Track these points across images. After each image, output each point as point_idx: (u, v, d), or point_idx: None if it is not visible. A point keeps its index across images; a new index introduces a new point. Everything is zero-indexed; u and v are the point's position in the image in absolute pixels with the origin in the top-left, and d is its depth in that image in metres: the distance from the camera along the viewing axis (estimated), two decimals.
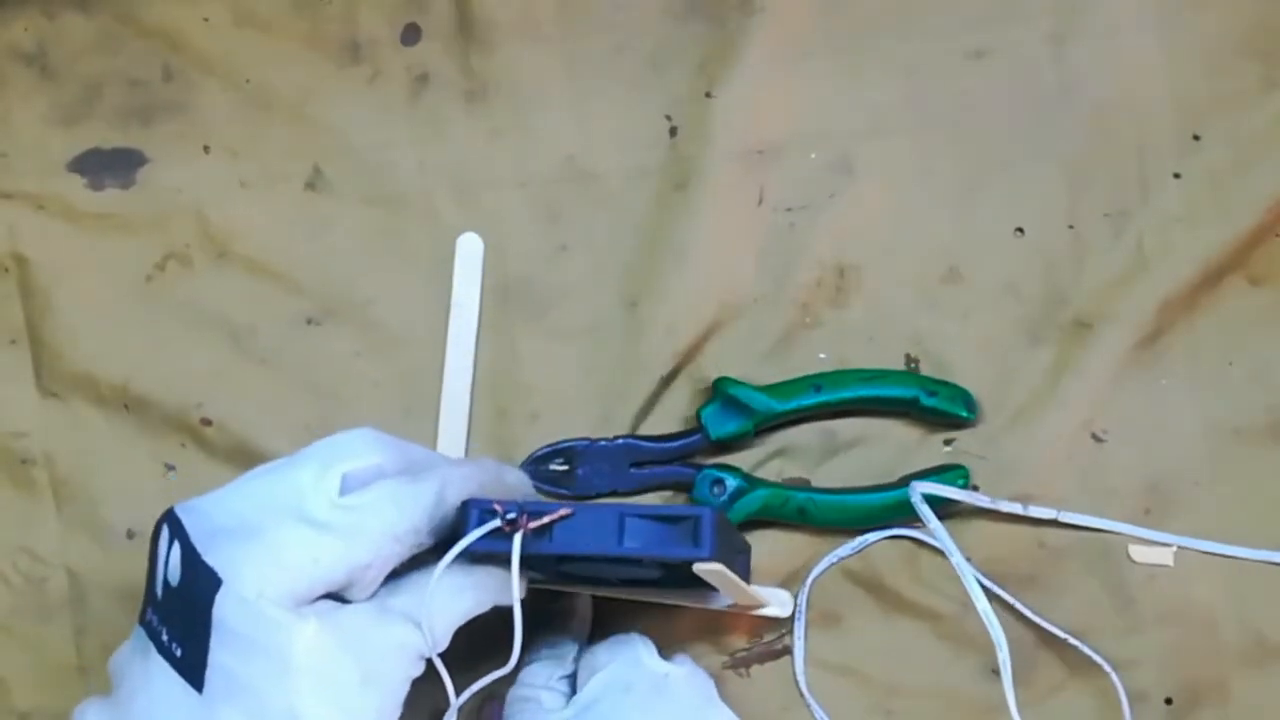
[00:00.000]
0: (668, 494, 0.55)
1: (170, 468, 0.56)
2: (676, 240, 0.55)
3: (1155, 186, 0.54)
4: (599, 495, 0.55)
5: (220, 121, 0.57)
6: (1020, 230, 0.55)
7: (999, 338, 0.55)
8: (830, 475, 0.55)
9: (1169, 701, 0.53)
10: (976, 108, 0.55)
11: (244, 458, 0.55)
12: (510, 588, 0.44)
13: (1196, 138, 0.54)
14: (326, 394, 0.56)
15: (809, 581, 0.54)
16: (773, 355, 0.55)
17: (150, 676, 0.42)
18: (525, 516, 0.43)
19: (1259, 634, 0.53)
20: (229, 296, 0.57)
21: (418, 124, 0.57)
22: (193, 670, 0.41)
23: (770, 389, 0.54)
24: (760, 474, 0.55)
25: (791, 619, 0.54)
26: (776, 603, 0.53)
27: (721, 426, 0.53)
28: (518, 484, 0.50)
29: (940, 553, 0.52)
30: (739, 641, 0.54)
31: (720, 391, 0.54)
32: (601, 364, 0.56)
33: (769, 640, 0.54)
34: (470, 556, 0.43)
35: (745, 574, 0.47)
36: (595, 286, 0.56)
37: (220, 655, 0.40)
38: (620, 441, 0.55)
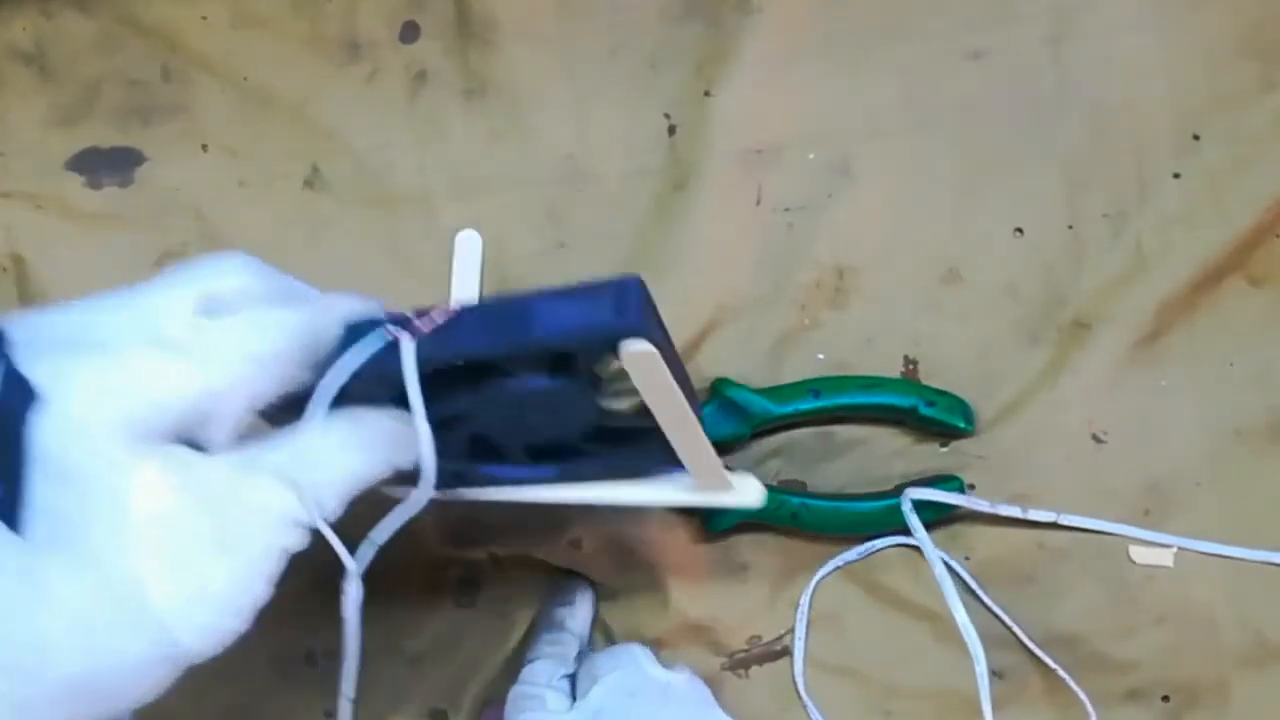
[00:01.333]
0: None
1: None
2: (675, 240, 0.55)
3: (1154, 187, 0.54)
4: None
5: (219, 121, 0.57)
6: (1019, 231, 0.55)
7: (998, 338, 0.55)
8: (827, 477, 0.55)
9: (1166, 699, 0.53)
10: (975, 108, 0.55)
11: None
12: (411, 442, 0.38)
13: (1196, 138, 0.54)
14: None
15: (812, 585, 0.54)
16: (771, 355, 0.55)
17: None
18: (414, 322, 0.37)
19: (1259, 634, 0.53)
20: None
21: (416, 123, 0.57)
22: (7, 508, 0.32)
23: (768, 392, 0.54)
24: (756, 474, 0.54)
25: (792, 618, 0.54)
26: (746, 490, 0.47)
27: (718, 428, 0.53)
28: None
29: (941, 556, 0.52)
30: (738, 643, 0.54)
31: (718, 393, 0.54)
32: None
33: (768, 642, 0.54)
34: (358, 397, 0.37)
35: (700, 418, 0.41)
36: None
37: (44, 492, 0.32)
38: None
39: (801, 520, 0.53)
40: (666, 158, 0.56)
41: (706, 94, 0.56)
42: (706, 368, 0.55)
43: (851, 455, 0.55)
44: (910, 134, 0.55)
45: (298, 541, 0.36)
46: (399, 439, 0.38)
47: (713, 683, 0.54)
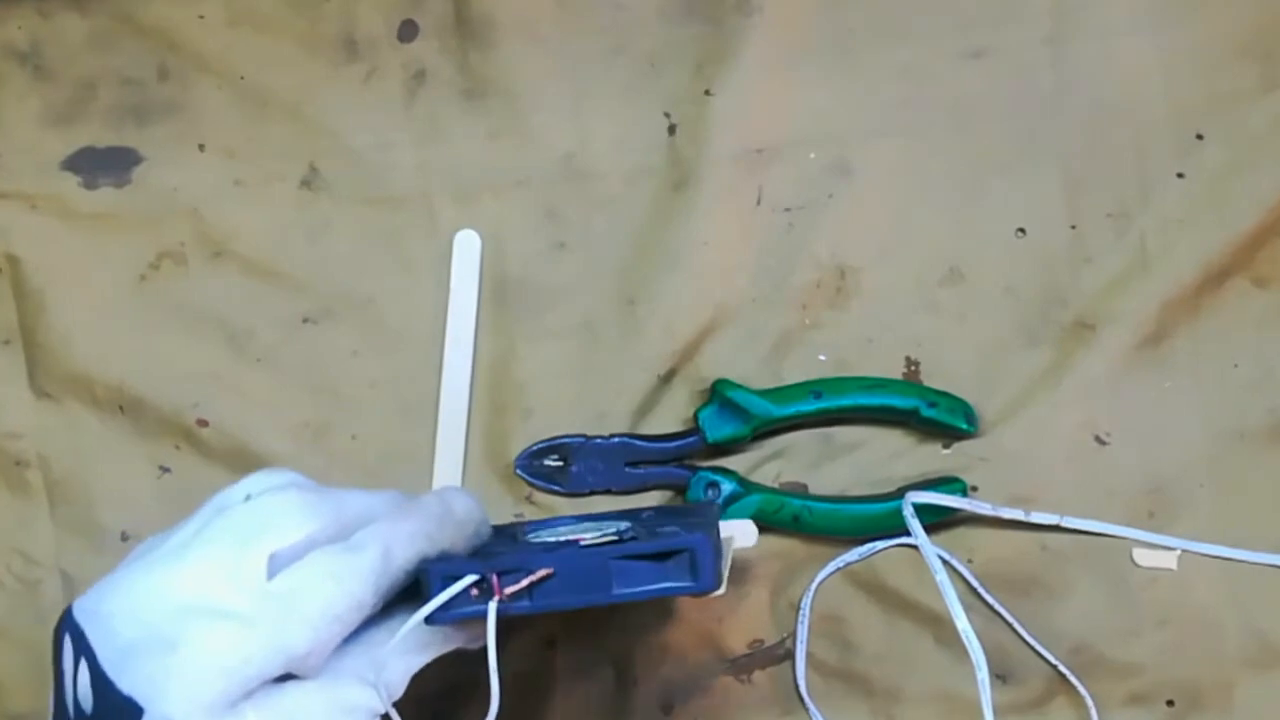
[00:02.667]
0: (667, 495, 0.55)
1: (165, 470, 0.56)
2: (675, 240, 0.55)
3: (1157, 187, 0.54)
4: (593, 493, 0.55)
5: (215, 120, 0.57)
6: (1021, 231, 0.55)
7: (999, 339, 0.54)
8: (828, 479, 0.55)
9: (1171, 704, 0.52)
10: (976, 108, 0.55)
11: (240, 459, 0.55)
12: (477, 635, 0.40)
13: (1199, 137, 0.54)
14: (324, 393, 0.56)
15: (813, 588, 0.54)
16: (771, 356, 0.55)
17: None
18: (496, 579, 0.39)
19: (1262, 637, 0.53)
20: (224, 296, 0.56)
21: (415, 122, 0.56)
22: None
23: (769, 393, 0.53)
24: (757, 476, 0.54)
25: (794, 621, 0.54)
26: (741, 534, 0.49)
27: (718, 429, 0.53)
28: (466, 512, 0.44)
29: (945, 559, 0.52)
30: (740, 647, 0.54)
31: (718, 394, 0.53)
32: (599, 363, 0.55)
33: (770, 645, 0.54)
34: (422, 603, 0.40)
35: (720, 550, 0.44)
36: (593, 286, 0.56)
37: None
38: (616, 440, 0.54)
39: (803, 523, 0.53)
40: (666, 158, 0.56)
41: (706, 94, 0.55)
42: (706, 368, 0.55)
43: (853, 457, 0.55)
44: (910, 134, 0.55)
45: None
46: (462, 632, 0.41)
47: (716, 687, 0.54)
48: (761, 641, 0.54)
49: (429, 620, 0.39)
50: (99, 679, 0.36)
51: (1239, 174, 0.53)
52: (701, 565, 0.39)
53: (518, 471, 0.55)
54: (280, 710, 0.37)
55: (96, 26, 0.57)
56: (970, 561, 0.54)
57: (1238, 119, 0.54)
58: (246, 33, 0.57)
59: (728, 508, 0.53)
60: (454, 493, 0.44)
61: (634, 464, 0.54)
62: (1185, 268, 0.53)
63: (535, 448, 0.55)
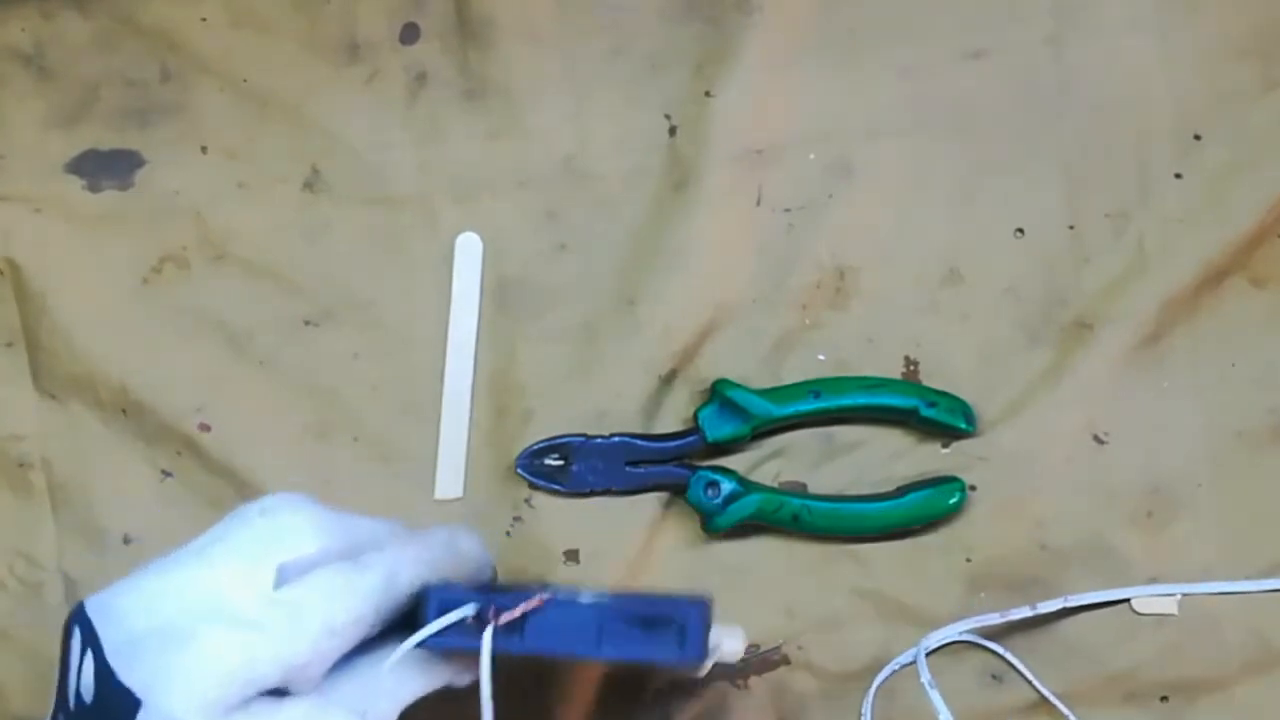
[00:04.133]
0: (663, 495, 0.55)
1: (167, 474, 0.56)
2: (675, 240, 0.55)
3: (1156, 187, 0.54)
4: (593, 492, 0.55)
5: (218, 122, 0.57)
6: (1020, 231, 0.55)
7: (999, 339, 0.54)
8: (828, 478, 0.55)
9: (1164, 699, 0.53)
10: (976, 108, 0.55)
11: (241, 463, 0.55)
12: (467, 669, 0.42)
13: (1197, 137, 0.54)
14: (326, 396, 0.56)
15: (871, 693, 0.53)
16: (771, 356, 0.55)
17: None
18: (494, 610, 0.40)
19: (1261, 637, 0.53)
20: (226, 298, 0.56)
21: (416, 124, 0.57)
22: None
23: (769, 393, 0.54)
24: (757, 476, 0.54)
25: (794, 623, 0.54)
26: (732, 639, 0.47)
27: (718, 429, 0.53)
28: (471, 549, 0.45)
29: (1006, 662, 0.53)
30: None
31: (718, 394, 0.54)
32: (599, 364, 0.55)
33: (766, 651, 0.54)
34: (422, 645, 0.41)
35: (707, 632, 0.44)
36: (593, 286, 0.56)
37: None
38: (616, 439, 0.55)
39: (802, 522, 0.53)
40: (666, 158, 0.56)
41: (707, 94, 0.56)
42: (706, 368, 0.55)
43: (852, 457, 0.55)
44: (910, 134, 0.55)
45: None
46: (454, 666, 0.42)
47: (711, 694, 0.54)
48: (758, 647, 0.54)
49: (423, 644, 0.40)
50: (102, 670, 0.37)
51: (1238, 174, 0.53)
52: (690, 637, 0.40)
53: (519, 470, 0.55)
54: None
55: (99, 28, 0.58)
56: (969, 561, 0.54)
57: (1237, 119, 0.54)
58: (248, 35, 0.57)
59: (727, 507, 0.53)
60: (461, 530, 0.46)
61: (634, 463, 0.54)
62: (1184, 268, 0.53)
63: (536, 447, 0.55)
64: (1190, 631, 0.53)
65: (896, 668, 0.53)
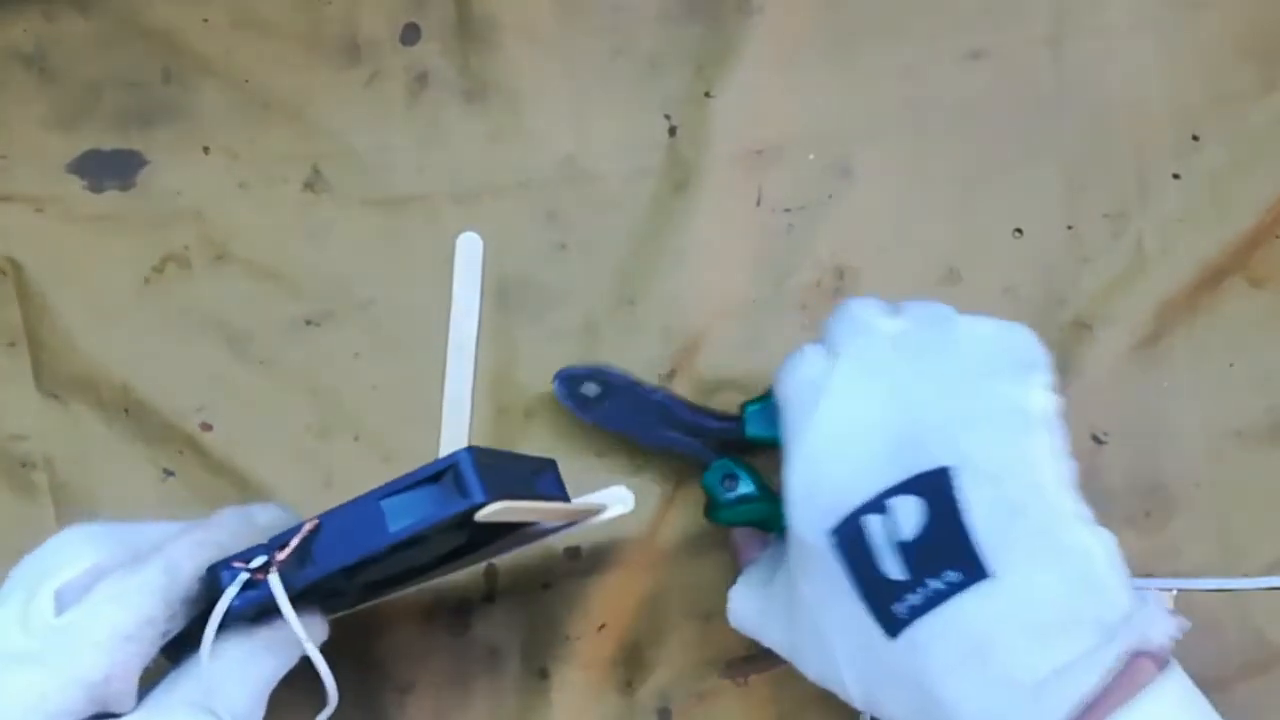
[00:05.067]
0: (668, 486, 0.55)
1: (169, 473, 0.56)
2: (675, 241, 0.55)
3: (1154, 187, 0.54)
4: (615, 432, 0.54)
5: (219, 123, 0.57)
6: (1019, 231, 0.55)
7: None
8: None
9: None
10: (975, 108, 0.55)
11: (242, 462, 0.56)
12: (311, 634, 0.41)
13: (1195, 138, 0.54)
14: (327, 396, 0.56)
15: None
16: (771, 356, 0.55)
17: None
18: (275, 554, 0.39)
19: (1260, 636, 0.53)
20: (228, 298, 0.56)
21: (417, 124, 0.57)
22: None
23: None
24: (779, 481, 0.54)
25: None
26: (615, 502, 0.50)
27: (758, 427, 0.51)
28: (271, 523, 0.44)
29: None
30: (736, 650, 0.54)
31: (771, 394, 0.50)
32: (599, 363, 0.55)
33: (767, 648, 0.54)
34: (247, 618, 0.40)
35: (558, 490, 0.44)
36: (594, 286, 0.56)
37: None
38: (660, 396, 0.53)
39: None
40: (666, 158, 0.56)
41: (707, 95, 0.56)
42: (706, 369, 0.55)
43: None
44: (910, 134, 0.55)
45: None
46: (293, 637, 0.40)
47: (711, 691, 0.54)
48: (757, 645, 0.54)
49: (238, 616, 0.39)
50: None
51: (1236, 174, 0.53)
52: (468, 479, 0.38)
53: (555, 384, 0.53)
54: None
55: (101, 29, 0.58)
56: None
57: (1236, 120, 0.54)
58: (250, 36, 0.57)
59: (738, 505, 0.52)
60: (257, 507, 0.44)
61: (667, 424, 0.53)
62: (1183, 268, 0.53)
63: (580, 371, 0.53)
64: (1189, 630, 0.53)
65: None
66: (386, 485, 0.39)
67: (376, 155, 0.57)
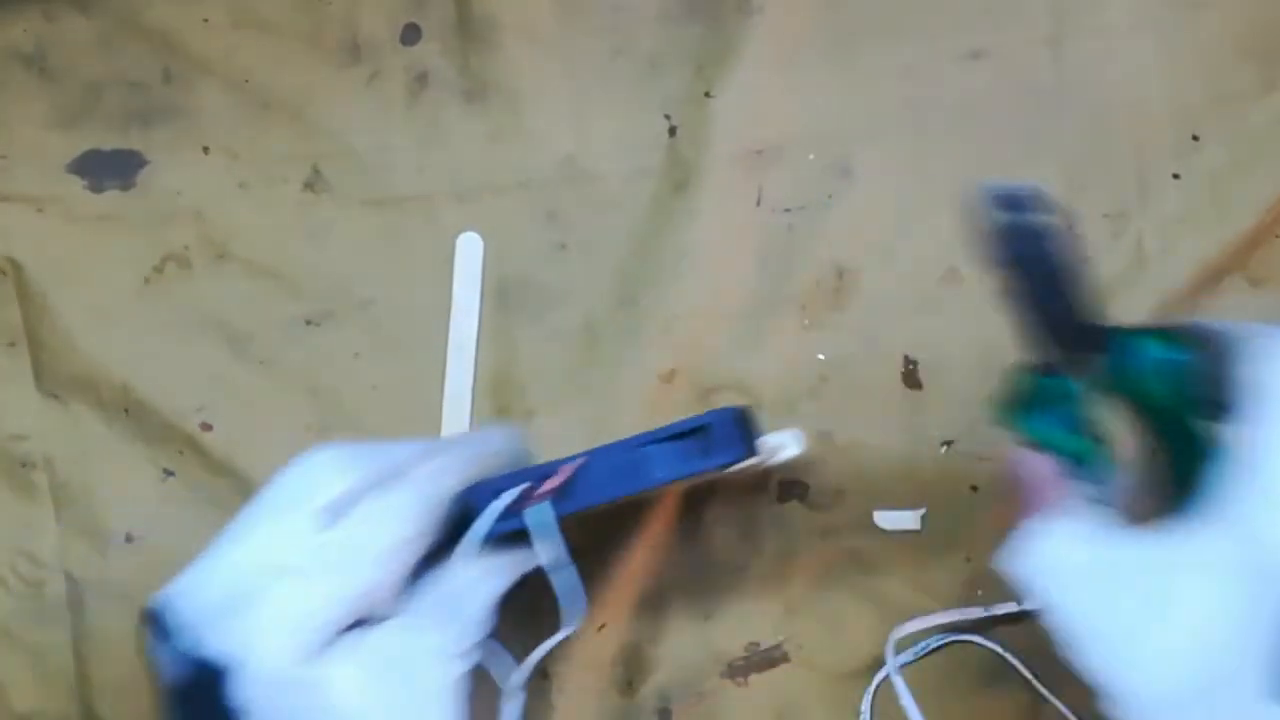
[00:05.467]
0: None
1: (169, 473, 0.56)
2: (675, 241, 0.55)
3: (1154, 187, 0.54)
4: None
5: (219, 123, 0.57)
6: None
7: (999, 338, 0.54)
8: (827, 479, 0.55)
9: None
10: (975, 109, 0.55)
11: (242, 462, 0.56)
12: (539, 554, 0.44)
13: (1195, 138, 0.54)
14: (327, 396, 0.56)
15: (872, 689, 0.53)
16: (771, 356, 0.55)
17: None
18: (532, 487, 0.43)
19: None
20: (228, 298, 0.57)
21: (417, 124, 0.57)
22: None
23: None
24: None
25: (793, 623, 0.54)
26: (791, 442, 0.51)
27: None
28: (502, 445, 0.48)
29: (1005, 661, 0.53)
30: (736, 650, 0.54)
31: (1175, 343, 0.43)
32: (599, 363, 0.55)
33: (767, 649, 0.54)
34: (488, 539, 0.43)
35: (757, 433, 0.45)
36: (593, 286, 0.56)
37: None
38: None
39: None
40: (667, 158, 0.56)
41: (707, 95, 0.56)
42: (707, 368, 0.55)
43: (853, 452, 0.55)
44: (910, 134, 0.55)
45: (467, 665, 0.43)
46: (527, 554, 0.44)
47: (711, 692, 0.54)
48: (758, 644, 0.54)
49: (487, 539, 0.43)
50: (183, 652, 0.40)
51: (1236, 174, 0.53)
52: (732, 436, 0.42)
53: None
54: (371, 655, 0.40)
55: (101, 29, 0.58)
56: (968, 561, 0.54)
57: (1236, 120, 0.54)
58: (250, 35, 0.57)
59: (1063, 432, 0.46)
60: (487, 431, 0.49)
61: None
62: (1182, 268, 0.53)
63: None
64: None
65: (896, 667, 0.53)
66: (642, 435, 0.43)
67: (376, 155, 0.57)
